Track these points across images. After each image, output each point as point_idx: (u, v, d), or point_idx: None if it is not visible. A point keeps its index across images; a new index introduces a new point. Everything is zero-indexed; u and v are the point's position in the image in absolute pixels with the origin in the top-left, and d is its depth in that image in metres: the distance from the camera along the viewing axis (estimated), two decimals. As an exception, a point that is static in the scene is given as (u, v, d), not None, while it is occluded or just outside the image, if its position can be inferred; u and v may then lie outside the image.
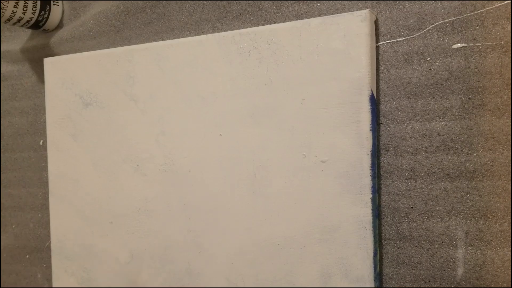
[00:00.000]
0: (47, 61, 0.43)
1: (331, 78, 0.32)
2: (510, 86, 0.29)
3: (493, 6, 0.29)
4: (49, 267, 0.47)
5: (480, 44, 0.30)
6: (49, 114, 0.43)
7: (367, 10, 0.31)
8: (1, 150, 0.50)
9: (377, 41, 0.33)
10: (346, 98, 0.31)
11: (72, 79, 0.42)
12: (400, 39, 0.32)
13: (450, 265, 0.31)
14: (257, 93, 0.34)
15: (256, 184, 0.34)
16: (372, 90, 0.31)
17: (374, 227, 0.31)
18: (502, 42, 0.29)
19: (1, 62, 0.50)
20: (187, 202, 0.37)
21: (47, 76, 0.44)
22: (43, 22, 0.45)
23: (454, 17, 0.30)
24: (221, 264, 0.36)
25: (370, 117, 0.31)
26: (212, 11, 0.39)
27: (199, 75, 0.36)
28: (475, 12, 0.30)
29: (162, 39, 0.41)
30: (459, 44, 0.30)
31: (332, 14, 0.34)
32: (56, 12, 0.45)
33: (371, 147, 0.31)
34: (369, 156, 0.31)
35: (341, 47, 0.31)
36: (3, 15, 0.41)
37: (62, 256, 0.43)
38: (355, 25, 0.31)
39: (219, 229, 0.36)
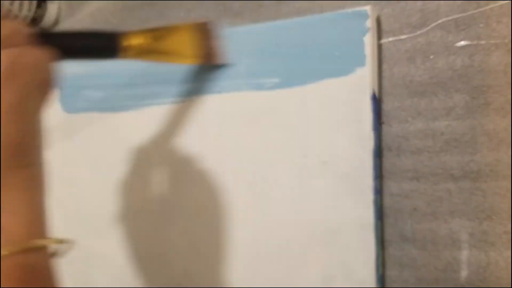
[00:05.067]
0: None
1: (332, 76, 0.31)
2: (515, 85, 0.29)
3: (497, 4, 0.29)
4: (46, 268, 0.47)
5: (484, 42, 0.29)
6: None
7: (369, 7, 0.30)
8: None
9: (379, 39, 0.32)
10: (348, 97, 0.31)
11: (71, 78, 0.42)
12: (403, 37, 0.32)
13: (454, 267, 0.31)
14: (257, 92, 0.34)
15: (257, 185, 0.34)
16: (374, 89, 0.31)
17: (376, 229, 0.31)
18: (506, 40, 0.29)
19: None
20: (186, 203, 0.37)
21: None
22: (39, 20, 0.44)
23: (458, 14, 0.30)
24: (221, 266, 0.36)
25: (372, 117, 0.30)
26: (212, 9, 0.38)
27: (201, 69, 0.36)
28: (479, 10, 0.29)
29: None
30: (462, 42, 0.30)
31: (334, 11, 0.33)
32: (52, 9, 0.45)
33: (373, 147, 0.31)
34: (371, 156, 0.30)
35: (343, 44, 0.31)
36: (-1, 12, 0.41)
37: (60, 257, 0.43)
38: (356, 22, 0.30)
39: (219, 230, 0.36)
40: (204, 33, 0.33)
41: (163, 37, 0.33)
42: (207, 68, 0.35)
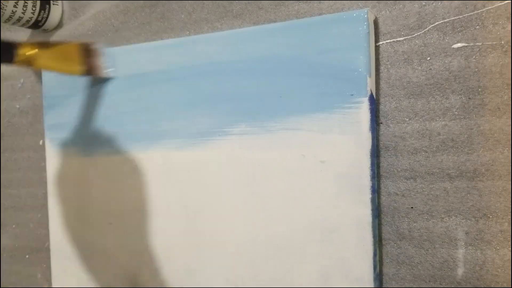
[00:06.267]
0: (46, 61, 0.43)
1: (330, 77, 0.32)
2: (510, 86, 0.29)
3: (493, 6, 0.29)
4: (49, 267, 0.47)
5: (480, 43, 0.30)
6: (47, 114, 0.43)
7: (367, 9, 0.31)
8: (1, 150, 0.50)
9: (377, 41, 0.32)
10: (345, 98, 0.31)
11: (70, 78, 0.42)
12: (400, 38, 0.32)
13: (450, 265, 0.31)
14: (257, 91, 0.34)
15: (255, 184, 0.34)
16: (371, 90, 0.31)
17: (373, 227, 0.31)
18: (503, 42, 0.29)
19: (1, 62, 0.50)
20: (186, 202, 0.37)
21: (44, 75, 0.43)
22: (42, 22, 0.45)
23: (455, 16, 0.30)
24: (220, 265, 0.36)
25: (370, 117, 0.31)
26: (212, 11, 0.38)
27: (198, 74, 0.36)
28: (476, 12, 0.30)
29: (161, 39, 0.41)
30: (459, 44, 0.30)
31: (332, 13, 0.34)
32: (55, 12, 0.45)
33: (370, 147, 0.31)
34: (369, 156, 0.31)
35: (341, 46, 0.31)
36: (2, 14, 0.41)
37: (61, 256, 0.43)
38: (354, 24, 0.31)
39: (218, 229, 0.36)
40: (88, 51, 0.39)
41: (50, 47, 0.39)
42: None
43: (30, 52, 0.37)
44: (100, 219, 0.41)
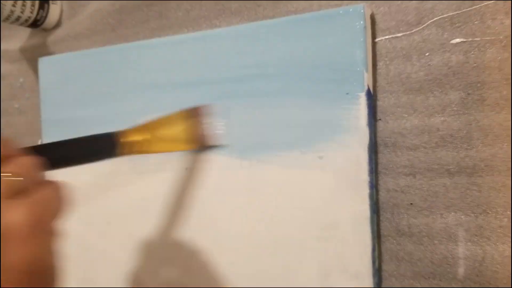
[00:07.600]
0: (42, 60, 0.43)
1: (327, 73, 0.32)
2: (510, 81, 0.29)
3: (492, 1, 0.29)
4: (48, 266, 0.47)
5: (479, 39, 0.30)
6: (45, 113, 0.43)
7: (363, 4, 0.31)
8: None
9: (375, 37, 0.32)
10: (342, 93, 0.31)
11: (67, 78, 0.42)
12: (399, 34, 0.32)
13: (450, 261, 0.31)
14: (255, 89, 0.34)
15: (254, 181, 0.34)
16: (368, 85, 0.31)
17: (372, 222, 0.31)
18: (501, 37, 0.29)
19: (0, 61, 0.50)
20: (185, 200, 0.37)
21: (41, 75, 0.43)
22: (41, 21, 0.45)
23: (453, 12, 0.30)
24: (220, 263, 0.36)
25: (367, 112, 0.31)
26: (210, 8, 0.38)
27: (197, 72, 0.36)
28: (474, 7, 0.30)
29: (159, 37, 0.41)
30: (458, 39, 0.30)
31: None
32: (54, 11, 0.45)
33: (368, 142, 0.31)
34: (366, 151, 0.31)
35: (337, 41, 0.31)
36: (2, 13, 0.41)
37: (61, 256, 0.43)
38: (351, 19, 0.31)
39: (217, 227, 0.36)
40: (196, 118, 0.34)
41: (158, 129, 0.33)
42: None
43: (139, 138, 0.32)
44: (99, 219, 0.41)
